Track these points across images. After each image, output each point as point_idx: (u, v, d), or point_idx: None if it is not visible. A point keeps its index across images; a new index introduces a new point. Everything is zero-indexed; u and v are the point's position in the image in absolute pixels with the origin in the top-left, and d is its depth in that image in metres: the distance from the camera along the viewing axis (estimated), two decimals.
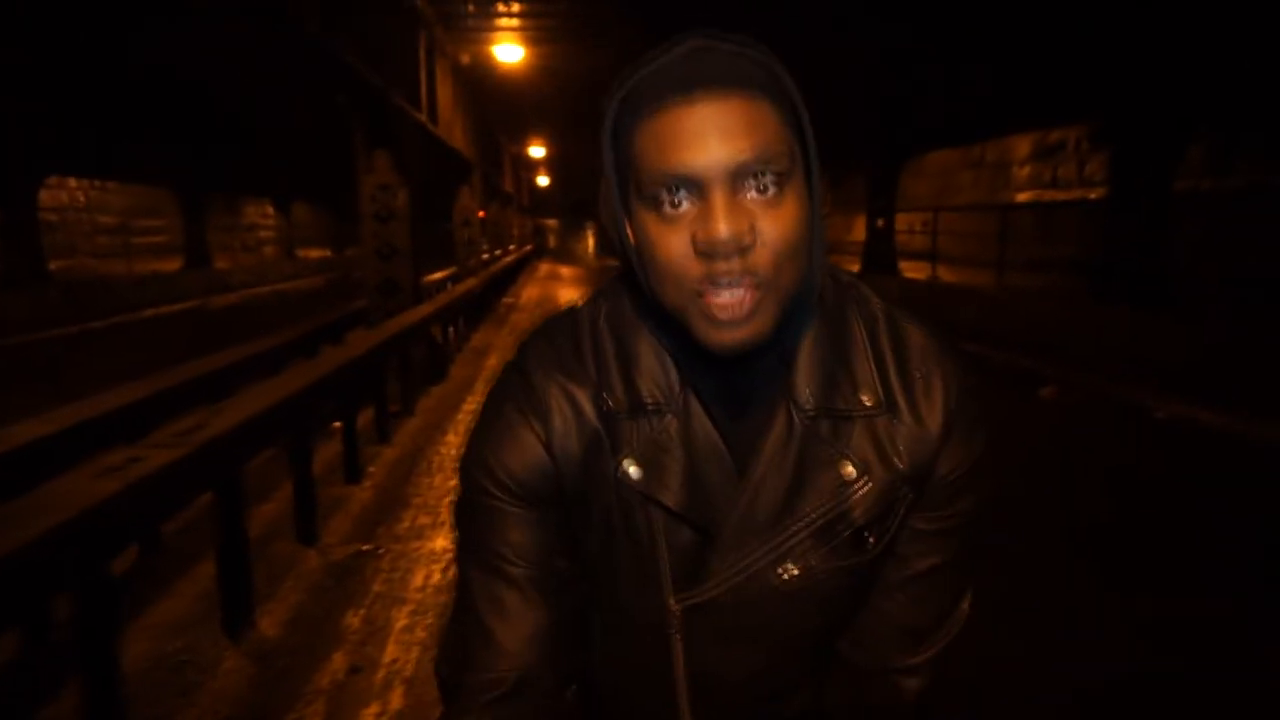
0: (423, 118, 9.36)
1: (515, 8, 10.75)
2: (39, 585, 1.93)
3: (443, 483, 4.90)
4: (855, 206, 17.13)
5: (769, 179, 0.65)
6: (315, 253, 31.24)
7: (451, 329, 9.82)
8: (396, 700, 2.67)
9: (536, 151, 27.59)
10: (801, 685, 0.85)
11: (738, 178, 0.64)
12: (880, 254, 14.54)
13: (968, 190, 16.17)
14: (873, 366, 0.75)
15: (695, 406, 0.75)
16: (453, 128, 11.86)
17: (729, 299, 0.65)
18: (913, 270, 14.06)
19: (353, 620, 3.20)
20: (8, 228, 11.81)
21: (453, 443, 5.85)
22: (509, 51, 12.24)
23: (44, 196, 14.52)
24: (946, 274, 13.41)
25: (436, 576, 3.59)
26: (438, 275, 13.14)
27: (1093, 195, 12.23)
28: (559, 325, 0.81)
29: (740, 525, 0.73)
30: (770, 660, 0.81)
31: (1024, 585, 3.45)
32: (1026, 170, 14.40)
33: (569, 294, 20.02)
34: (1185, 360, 7.25)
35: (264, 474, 4.74)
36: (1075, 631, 3.07)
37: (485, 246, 19.04)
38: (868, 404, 0.74)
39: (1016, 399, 7.31)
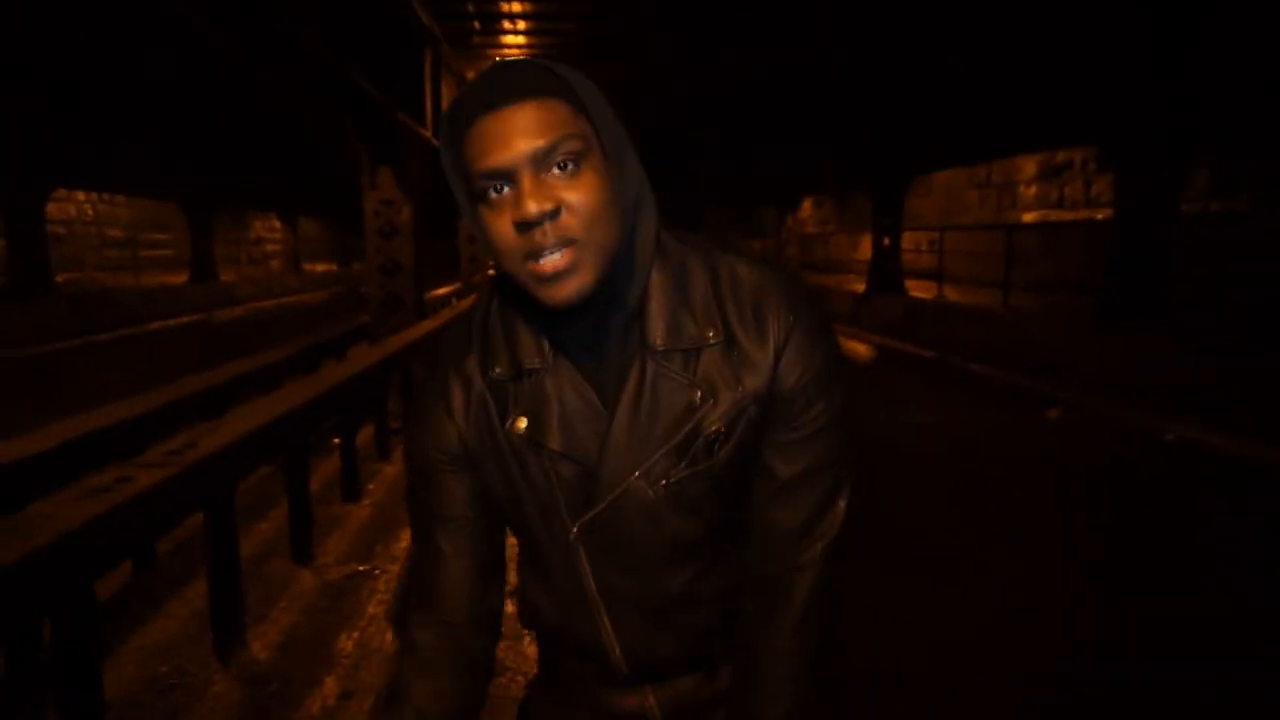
0: (428, 134, 9.37)
1: (521, 25, 10.79)
2: (16, 611, 1.87)
3: None
4: (861, 226, 17.13)
5: (566, 159, 0.79)
6: (321, 266, 31.35)
7: None
8: None
9: None
10: (704, 598, 0.96)
11: (538, 163, 0.79)
12: (886, 273, 14.49)
13: (974, 210, 16.14)
14: (714, 306, 0.89)
15: (564, 364, 0.90)
16: None
17: (548, 261, 0.79)
18: (919, 289, 14.00)
19: (345, 643, 3.14)
20: (15, 240, 11.85)
21: None
22: None
23: (52, 209, 14.61)
24: (953, 293, 13.34)
25: None
26: (442, 290, 13.14)
27: (1099, 216, 12.19)
28: (457, 323, 0.99)
29: (612, 454, 0.88)
30: (665, 568, 0.93)
31: (1032, 602, 3.38)
32: (1033, 190, 14.38)
33: None
34: (1194, 383, 7.17)
35: (261, 491, 4.70)
36: (1081, 644, 3.00)
37: (490, 262, 19.07)
38: (710, 338, 0.88)
39: (1024, 419, 7.23)
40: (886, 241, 14.68)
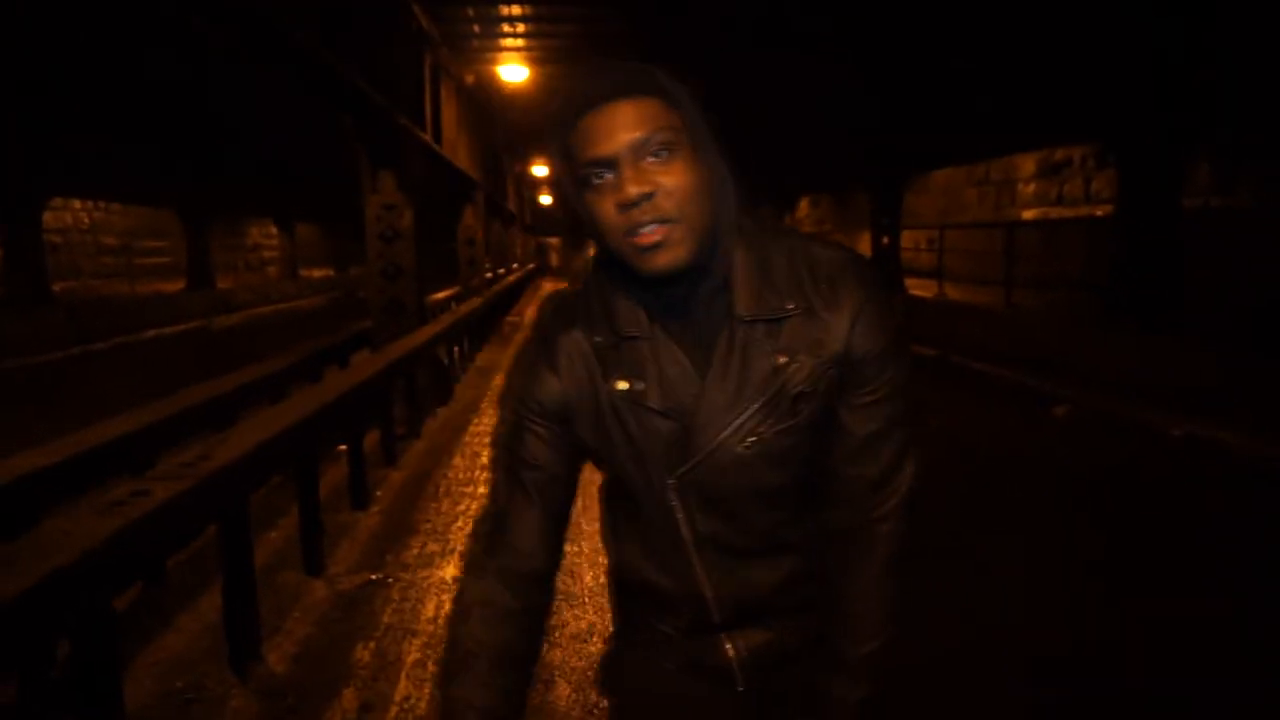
0: (427, 138, 9.33)
1: (520, 28, 10.77)
2: (39, 631, 1.84)
3: (451, 508, 4.81)
4: (859, 225, 17.09)
5: (660, 148, 0.91)
6: (318, 272, 31.24)
7: (456, 349, 9.76)
8: None
9: (540, 170, 27.67)
10: (790, 544, 1.06)
11: (637, 152, 0.91)
12: (885, 272, 14.48)
13: (973, 208, 16.14)
14: (793, 280, 0.99)
15: (660, 332, 1.00)
16: (457, 147, 11.84)
17: (646, 235, 0.91)
18: (919, 288, 13.98)
19: (363, 654, 3.11)
20: (12, 249, 11.79)
21: (460, 466, 5.76)
22: (514, 72, 12.26)
23: (48, 218, 14.52)
24: (953, 291, 13.33)
25: (448, 607, 3.49)
26: (442, 295, 13.09)
27: (1099, 212, 12.18)
28: (564, 295, 1.10)
29: (707, 412, 0.98)
30: (754, 515, 1.03)
31: (1034, 602, 3.36)
32: (1032, 187, 14.37)
33: None
34: (1199, 379, 7.15)
35: (266, 500, 4.66)
36: (1081, 644, 2.97)
37: (488, 265, 18.99)
38: (790, 309, 0.98)
39: (1030, 418, 7.22)
40: (885, 240, 14.66)
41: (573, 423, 1.04)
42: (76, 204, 17.91)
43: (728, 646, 1.09)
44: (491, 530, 1.07)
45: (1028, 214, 14.28)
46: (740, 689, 1.10)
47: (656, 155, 0.91)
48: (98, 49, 8.19)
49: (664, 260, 0.92)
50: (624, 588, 1.15)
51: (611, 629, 1.25)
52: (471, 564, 1.09)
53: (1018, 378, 8.87)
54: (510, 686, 1.04)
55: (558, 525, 1.09)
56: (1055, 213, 13.56)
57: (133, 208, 19.71)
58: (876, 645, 1.03)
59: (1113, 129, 9.19)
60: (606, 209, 0.92)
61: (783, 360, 0.97)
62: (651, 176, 0.91)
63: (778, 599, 1.07)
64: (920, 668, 2.82)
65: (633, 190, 0.90)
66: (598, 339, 1.02)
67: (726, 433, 0.98)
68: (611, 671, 1.21)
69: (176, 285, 19.79)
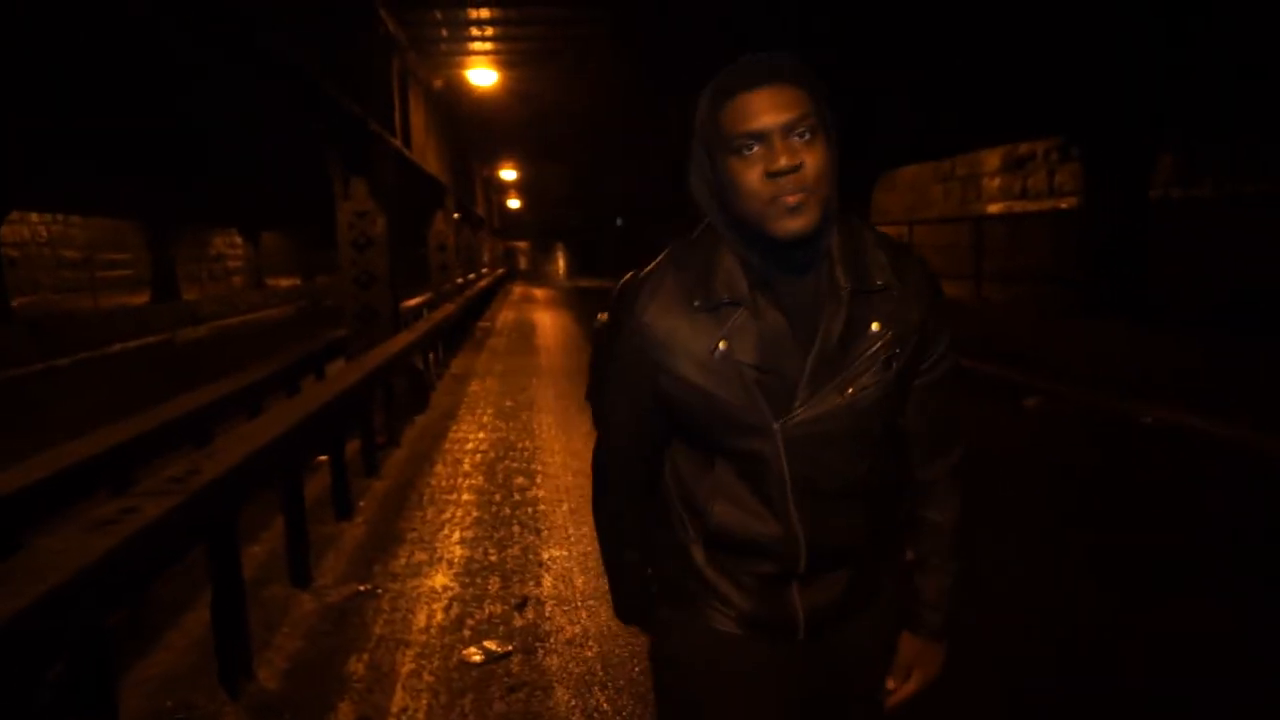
0: (397, 143, 9.26)
1: (489, 31, 10.71)
2: (35, 653, 1.80)
3: (436, 516, 4.78)
4: None
5: (805, 131, 1.06)
6: (285, 281, 30.85)
7: (431, 356, 9.69)
8: None
9: (508, 174, 27.52)
10: (875, 489, 1.20)
11: (787, 131, 1.05)
12: None
13: (940, 203, 16.34)
14: (878, 261, 1.16)
15: (761, 298, 1.12)
16: (426, 152, 11.76)
17: (793, 199, 1.05)
18: None
19: (356, 667, 3.07)
20: None
21: (443, 474, 5.71)
22: (482, 75, 12.19)
23: (4, 232, 14.19)
24: None
25: (440, 616, 3.47)
26: (414, 301, 12.98)
27: (1063, 205, 12.40)
28: (643, 275, 1.20)
29: (816, 366, 1.11)
30: (847, 460, 1.16)
31: (1017, 589, 3.41)
32: (997, 182, 14.58)
33: (545, 317, 19.91)
34: (1167, 367, 7.31)
35: (247, 513, 4.57)
36: (1059, 632, 3.03)
37: (459, 270, 18.86)
38: (880, 284, 1.15)
39: (1002, 409, 7.32)
40: None
41: (664, 384, 1.16)
42: (34, 217, 17.52)
43: (796, 597, 1.20)
44: (605, 464, 1.29)
45: (993, 208, 14.49)
46: (800, 638, 1.21)
47: (801, 136, 1.05)
48: (55, 53, 8.01)
49: (800, 223, 1.06)
50: (708, 543, 1.22)
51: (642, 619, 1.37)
52: (596, 497, 1.33)
53: (989, 370, 9.02)
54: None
55: (650, 465, 1.27)
56: (1020, 206, 13.77)
57: (94, 219, 19.32)
58: (951, 582, 1.31)
59: (1077, 122, 9.36)
60: (753, 176, 1.06)
61: (877, 327, 1.14)
62: (798, 152, 1.05)
63: (856, 543, 1.21)
64: None
65: (785, 161, 1.04)
66: (695, 304, 1.13)
67: (833, 385, 1.12)
68: (660, 640, 1.31)
69: (141, 298, 19.44)
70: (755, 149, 1.05)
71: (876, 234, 1.20)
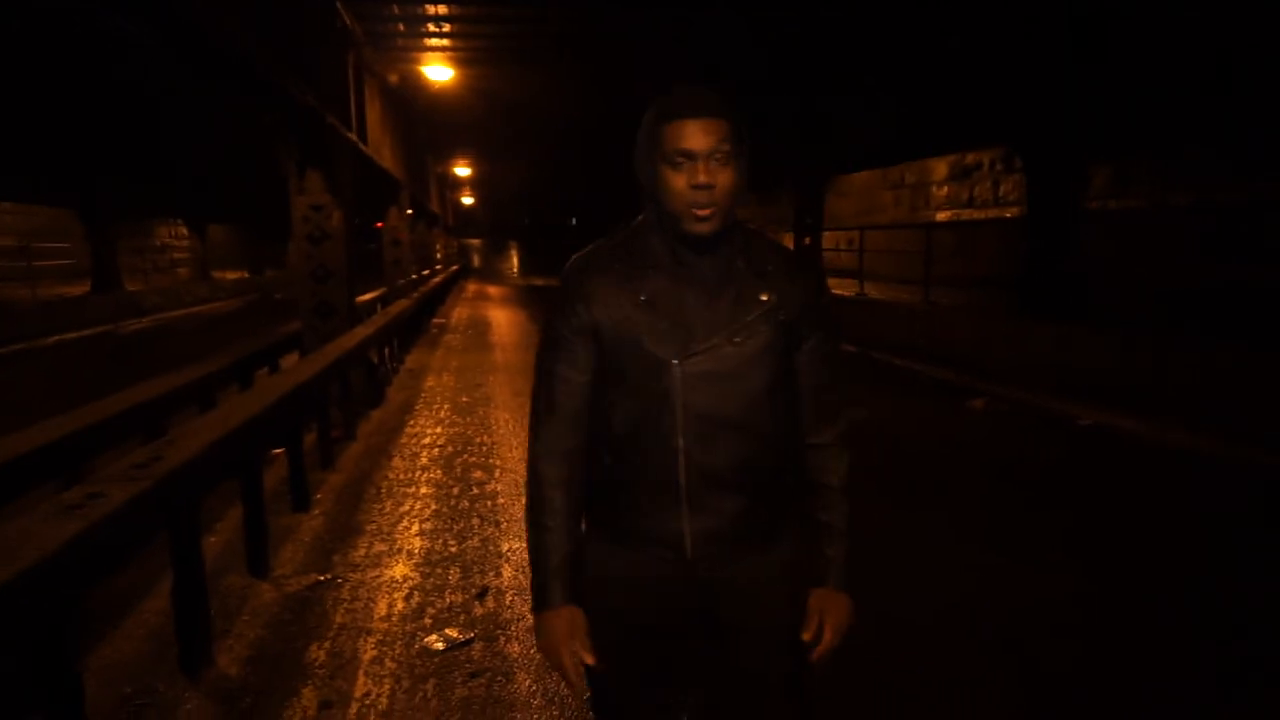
0: (353, 137, 9.19)
1: (446, 28, 10.68)
2: (5, 633, 1.81)
3: (394, 509, 4.79)
4: (783, 225, 17.48)
5: (722, 156, 1.35)
6: (232, 274, 30.19)
7: (387, 350, 9.63)
8: None
9: (462, 171, 27.34)
10: (756, 430, 1.43)
11: (709, 155, 1.34)
12: None
13: (890, 209, 16.70)
14: (769, 255, 1.47)
15: (682, 269, 1.42)
16: (381, 147, 11.67)
17: (703, 210, 1.35)
18: (840, 287, 14.39)
19: (317, 654, 3.10)
20: None
21: (400, 467, 5.72)
22: (438, 72, 12.14)
23: None
24: (873, 290, 13.78)
25: (401, 605, 3.50)
26: (368, 296, 12.86)
27: (1008, 214, 12.80)
28: (589, 250, 1.51)
29: (711, 319, 1.40)
30: (732, 396, 1.41)
31: (957, 576, 3.58)
32: (945, 190, 14.97)
33: (499, 314, 19.83)
34: (1103, 369, 7.64)
35: (204, 504, 4.54)
36: (1002, 598, 3.20)
37: (413, 267, 18.68)
38: (770, 269, 1.45)
39: (949, 411, 7.56)
40: (807, 240, 15.06)
41: (599, 333, 1.43)
42: None
43: (685, 518, 1.42)
44: (538, 422, 1.48)
45: (941, 215, 14.88)
46: (689, 558, 1.43)
47: (719, 160, 1.35)
48: None
49: (706, 227, 1.37)
50: (611, 471, 1.46)
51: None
52: (531, 444, 1.49)
53: (937, 372, 9.28)
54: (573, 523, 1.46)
55: (581, 417, 1.47)
56: (967, 214, 14.17)
57: (30, 207, 18.72)
58: (846, 518, 1.53)
59: (1019, 134, 9.69)
60: (680, 184, 1.35)
61: (765, 297, 1.43)
62: (714, 173, 1.35)
63: (737, 476, 1.43)
64: (864, 658, 3.00)
65: (704, 178, 1.34)
66: (630, 268, 1.43)
67: (724, 333, 1.40)
68: (580, 571, 1.47)
69: (81, 289, 18.88)
70: (684, 164, 1.34)
71: (771, 240, 1.53)
